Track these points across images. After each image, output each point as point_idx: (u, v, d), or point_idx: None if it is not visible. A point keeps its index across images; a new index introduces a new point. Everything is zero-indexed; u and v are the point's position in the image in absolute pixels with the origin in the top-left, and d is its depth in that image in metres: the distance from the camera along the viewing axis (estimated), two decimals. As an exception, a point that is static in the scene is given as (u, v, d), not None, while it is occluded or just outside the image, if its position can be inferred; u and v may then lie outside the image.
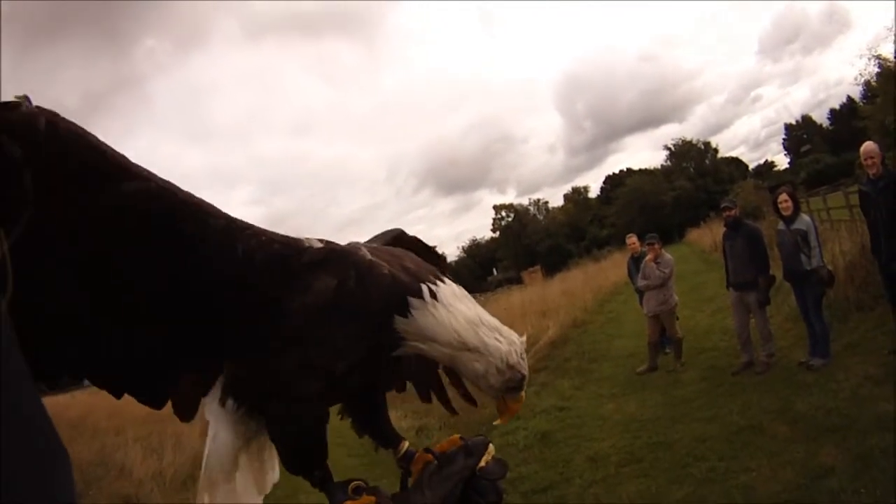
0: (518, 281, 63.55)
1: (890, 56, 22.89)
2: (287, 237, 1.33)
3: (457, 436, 1.47)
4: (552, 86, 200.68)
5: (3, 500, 0.55)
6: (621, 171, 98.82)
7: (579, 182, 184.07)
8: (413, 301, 1.29)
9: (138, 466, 9.80)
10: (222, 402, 1.37)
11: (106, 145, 1.15)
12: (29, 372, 0.64)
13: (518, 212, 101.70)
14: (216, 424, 1.38)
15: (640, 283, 11.43)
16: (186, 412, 1.44)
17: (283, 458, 1.39)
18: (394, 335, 1.32)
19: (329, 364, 1.33)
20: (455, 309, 1.32)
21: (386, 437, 1.53)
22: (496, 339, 1.32)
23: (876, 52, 24.66)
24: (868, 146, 7.81)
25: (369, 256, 1.32)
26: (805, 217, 9.34)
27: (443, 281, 1.35)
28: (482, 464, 1.39)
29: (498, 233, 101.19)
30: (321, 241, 1.36)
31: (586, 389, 11.20)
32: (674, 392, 9.64)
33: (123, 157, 1.17)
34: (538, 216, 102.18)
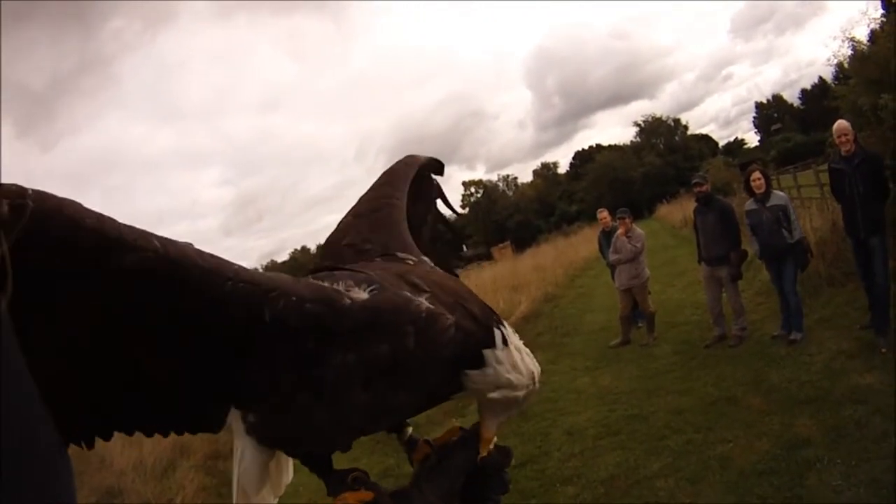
0: (488, 257, 63.47)
1: (864, 39, 23.09)
2: (322, 291, 1.14)
3: (457, 425, 1.42)
4: (522, 61, 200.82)
5: (3, 500, 0.55)
6: (591, 147, 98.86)
7: (548, 158, 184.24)
8: (489, 354, 1.20)
9: (118, 457, 9.65)
10: (247, 430, 1.26)
11: (93, 218, 0.98)
12: (29, 372, 0.63)
13: (487, 188, 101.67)
14: (242, 442, 1.31)
15: (612, 257, 11.47)
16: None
17: (283, 448, 1.35)
18: (455, 388, 1.24)
19: (370, 425, 1.29)
20: (521, 347, 1.26)
21: None
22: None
23: (850, 34, 24.81)
24: (841, 124, 7.85)
25: (426, 304, 1.16)
26: (779, 192, 9.45)
27: (502, 319, 1.27)
28: (484, 453, 1.36)
29: (467, 209, 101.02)
30: (360, 283, 1.18)
31: (560, 363, 11.23)
32: (648, 365, 9.74)
33: (114, 226, 1.00)
34: (507, 192, 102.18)
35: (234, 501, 1.34)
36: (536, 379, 1.26)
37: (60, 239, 0.94)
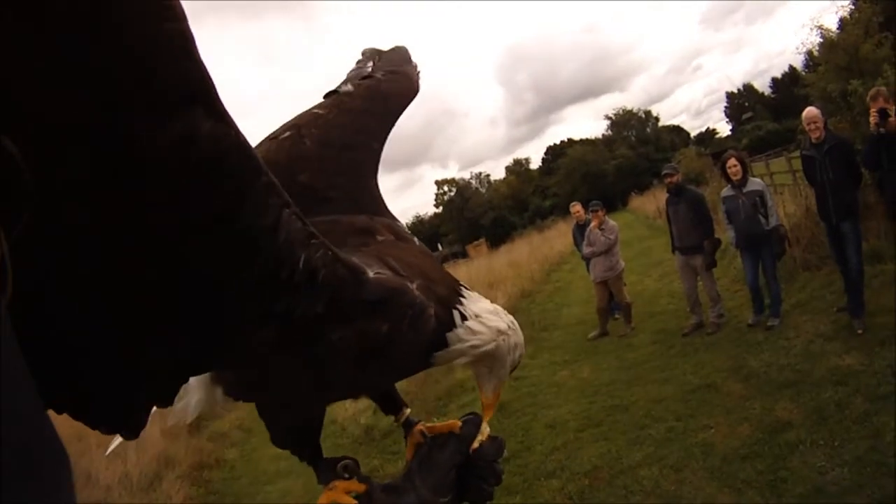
0: (463, 255, 63.70)
1: (832, 27, 23.38)
2: (350, 259, 1.07)
3: (457, 421, 1.41)
4: (494, 59, 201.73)
5: (3, 501, 0.53)
6: (562, 142, 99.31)
7: (520, 154, 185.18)
8: (451, 336, 1.23)
9: (104, 471, 9.60)
10: (214, 380, 1.22)
11: (197, 51, 0.77)
12: (29, 372, 0.61)
13: (460, 186, 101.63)
14: (199, 388, 1.25)
15: (586, 249, 11.50)
16: (139, 430, 1.11)
17: (272, 436, 1.30)
18: (422, 366, 1.27)
19: (349, 394, 1.31)
20: (481, 309, 1.28)
21: (389, 402, 1.48)
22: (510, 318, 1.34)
23: (818, 22, 25.13)
24: (811, 111, 7.88)
25: (417, 292, 1.17)
26: (756, 179, 9.47)
27: (463, 289, 1.30)
28: (476, 445, 1.35)
29: (441, 208, 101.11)
30: (365, 263, 1.13)
31: (539, 358, 11.26)
32: (626, 356, 9.76)
33: (210, 80, 0.80)
34: (480, 189, 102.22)
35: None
36: (509, 327, 1.30)
37: (145, 38, 0.72)
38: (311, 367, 1.11)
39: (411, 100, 1.70)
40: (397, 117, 1.66)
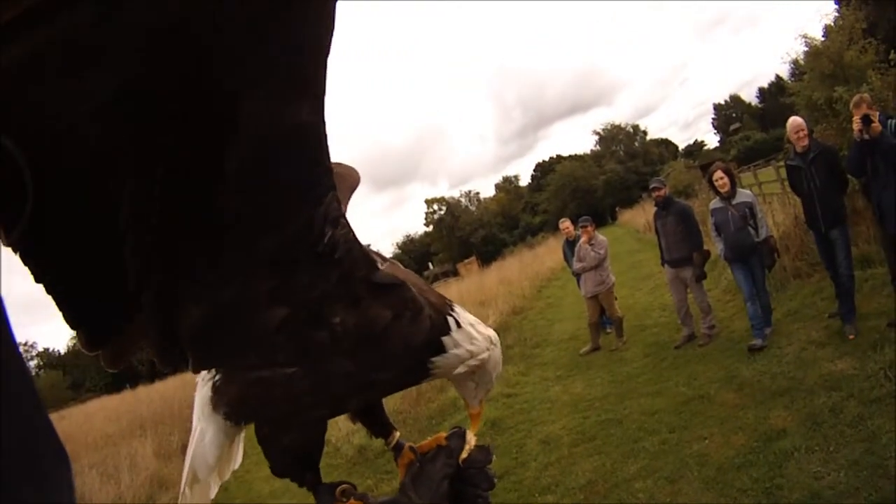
0: (454, 273, 63.84)
1: (817, 36, 23.72)
2: (365, 247, 1.22)
3: (442, 434, 1.45)
4: (482, 77, 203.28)
5: (3, 500, 0.54)
6: (551, 158, 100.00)
7: (510, 171, 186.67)
8: (447, 340, 1.29)
9: (97, 493, 9.56)
10: (215, 407, 1.23)
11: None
12: (29, 372, 0.62)
13: (450, 204, 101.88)
14: (207, 425, 1.26)
15: (576, 265, 11.52)
16: (117, 360, 1.22)
17: (272, 464, 1.30)
18: (423, 374, 1.32)
19: (345, 399, 1.31)
20: (473, 321, 1.35)
21: (378, 425, 1.49)
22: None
23: (803, 32, 25.56)
24: (795, 121, 7.91)
25: (417, 293, 1.27)
26: (745, 190, 9.46)
27: (453, 304, 1.37)
28: (464, 455, 1.38)
29: (431, 227, 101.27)
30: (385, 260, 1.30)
31: (532, 374, 11.26)
32: (619, 370, 9.73)
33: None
34: (470, 207, 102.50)
35: (184, 481, 1.32)
36: (494, 341, 1.38)
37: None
38: (311, 356, 1.16)
39: (356, 188, 1.80)
40: (349, 199, 1.75)
